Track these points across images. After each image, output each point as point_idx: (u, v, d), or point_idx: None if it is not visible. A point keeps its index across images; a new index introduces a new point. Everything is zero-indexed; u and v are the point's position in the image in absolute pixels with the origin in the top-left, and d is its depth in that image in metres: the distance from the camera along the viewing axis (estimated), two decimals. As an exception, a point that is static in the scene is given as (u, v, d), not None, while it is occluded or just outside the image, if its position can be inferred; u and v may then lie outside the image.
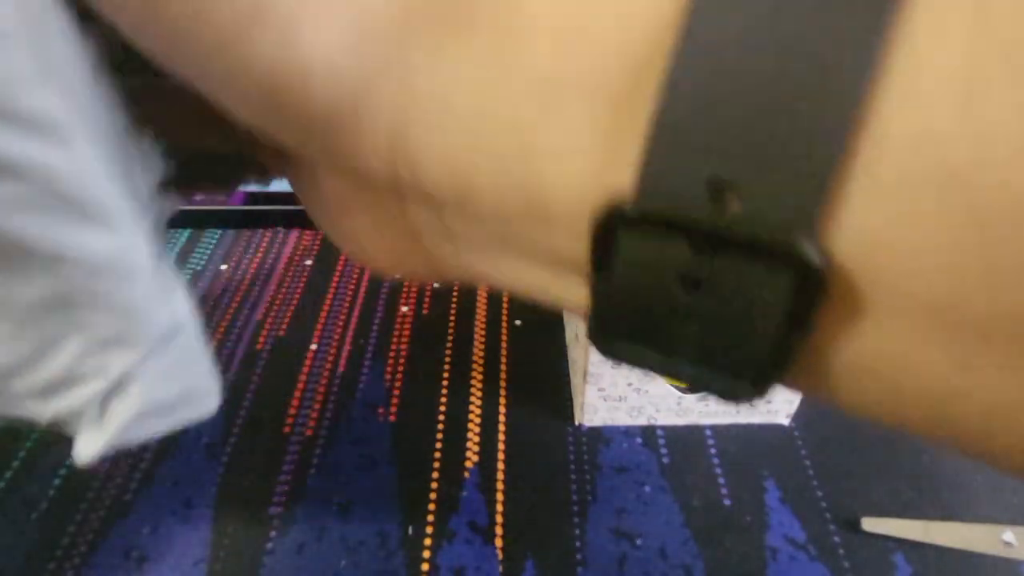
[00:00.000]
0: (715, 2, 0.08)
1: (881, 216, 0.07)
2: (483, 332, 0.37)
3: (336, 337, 0.36)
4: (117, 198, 0.12)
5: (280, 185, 0.44)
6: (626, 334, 0.10)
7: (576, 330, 0.31)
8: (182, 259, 0.42)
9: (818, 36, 0.08)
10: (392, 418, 0.32)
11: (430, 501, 0.29)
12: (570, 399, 0.33)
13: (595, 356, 0.29)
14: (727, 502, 0.29)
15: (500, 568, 0.26)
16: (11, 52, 0.09)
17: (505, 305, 0.39)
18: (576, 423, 0.32)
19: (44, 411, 0.14)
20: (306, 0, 0.10)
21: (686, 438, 0.31)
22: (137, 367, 0.13)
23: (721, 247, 0.09)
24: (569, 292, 0.11)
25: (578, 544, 0.27)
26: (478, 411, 0.32)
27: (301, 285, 0.40)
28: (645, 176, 0.09)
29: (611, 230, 0.09)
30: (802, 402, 0.31)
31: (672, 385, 0.30)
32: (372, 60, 0.10)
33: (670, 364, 0.10)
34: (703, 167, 0.08)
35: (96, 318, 0.12)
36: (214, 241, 0.43)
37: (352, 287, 0.40)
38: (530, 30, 0.09)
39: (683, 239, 0.09)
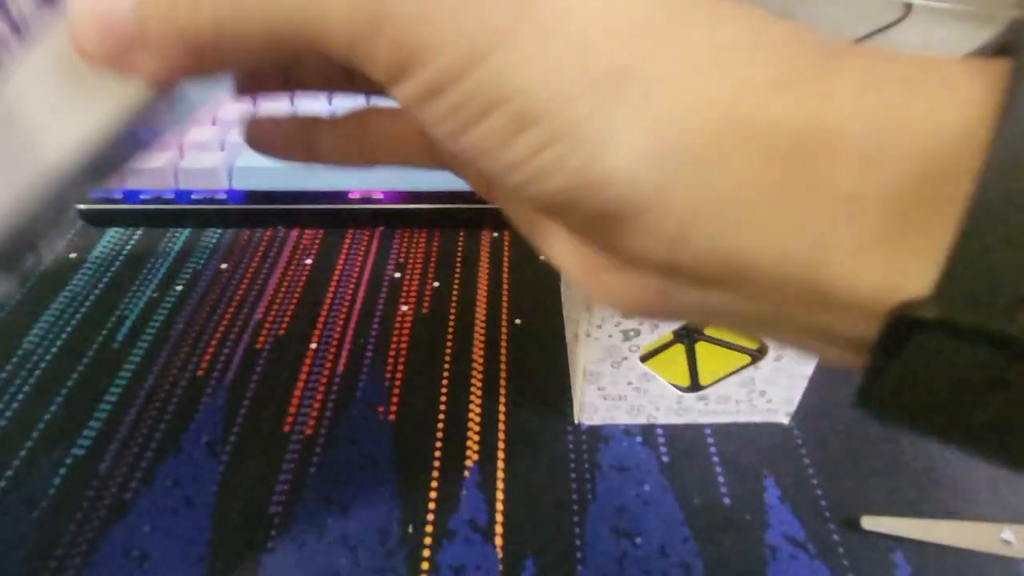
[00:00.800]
0: None
1: None
2: (483, 332, 0.37)
3: (336, 337, 0.36)
4: None
5: (280, 185, 0.44)
6: (901, 408, 0.11)
7: (576, 329, 0.31)
8: (182, 259, 0.42)
9: None
10: (392, 417, 0.32)
11: (430, 500, 0.29)
12: (570, 398, 0.33)
13: (595, 355, 0.29)
14: (727, 501, 0.29)
15: (500, 567, 0.26)
16: None
17: (505, 304, 0.39)
18: (576, 422, 0.32)
19: None
20: (615, 116, 0.10)
21: (686, 437, 0.31)
22: None
23: None
24: (837, 358, 0.12)
25: (578, 543, 0.27)
26: (478, 410, 0.32)
27: (301, 285, 0.40)
28: (950, 287, 0.09)
29: (905, 330, 0.09)
30: (802, 401, 0.31)
31: (672, 384, 0.30)
32: (671, 173, 0.10)
33: (950, 439, 0.11)
34: (1016, 284, 0.08)
35: None
36: (214, 241, 0.43)
37: (352, 287, 0.40)
38: (836, 151, 0.10)
39: (989, 346, 0.09)
